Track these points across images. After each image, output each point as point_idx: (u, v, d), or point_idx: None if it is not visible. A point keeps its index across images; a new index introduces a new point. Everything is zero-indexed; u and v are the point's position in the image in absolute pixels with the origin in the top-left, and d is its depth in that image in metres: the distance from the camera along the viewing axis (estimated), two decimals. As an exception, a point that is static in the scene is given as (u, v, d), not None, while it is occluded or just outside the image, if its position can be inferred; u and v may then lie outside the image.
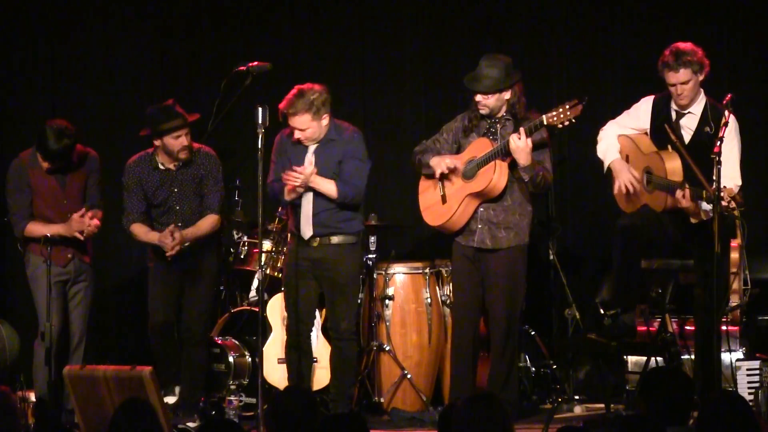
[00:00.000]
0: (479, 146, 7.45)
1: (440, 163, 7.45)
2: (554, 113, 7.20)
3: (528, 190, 7.40)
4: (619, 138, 7.36)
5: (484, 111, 7.44)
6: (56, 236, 7.64)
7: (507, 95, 7.40)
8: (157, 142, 7.68)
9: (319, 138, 7.42)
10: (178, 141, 7.61)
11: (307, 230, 7.45)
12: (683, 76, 7.07)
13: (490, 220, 7.42)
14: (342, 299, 7.51)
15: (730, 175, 6.90)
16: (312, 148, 7.46)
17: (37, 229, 7.65)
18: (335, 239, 7.47)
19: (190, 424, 7.48)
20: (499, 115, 7.45)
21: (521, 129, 7.22)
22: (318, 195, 7.42)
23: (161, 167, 7.71)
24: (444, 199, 7.53)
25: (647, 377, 5.43)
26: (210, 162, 7.75)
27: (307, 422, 4.94)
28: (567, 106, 7.17)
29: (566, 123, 7.19)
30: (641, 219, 7.16)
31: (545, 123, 7.22)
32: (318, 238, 7.46)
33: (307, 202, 7.42)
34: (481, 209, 7.43)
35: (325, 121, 7.39)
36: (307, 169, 7.33)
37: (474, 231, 7.45)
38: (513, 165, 7.34)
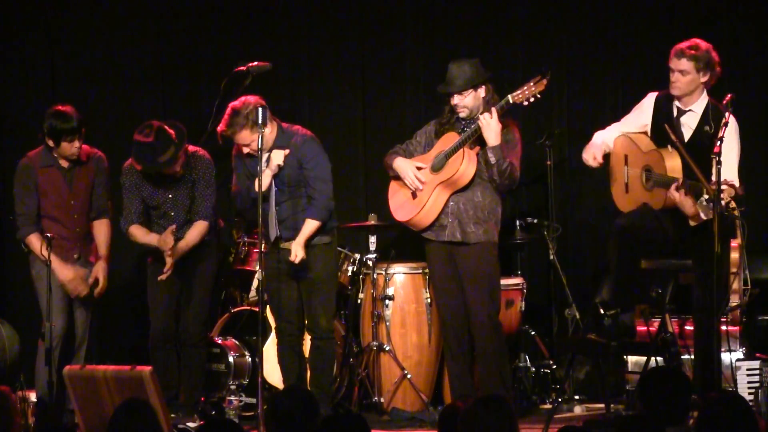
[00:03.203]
0: (447, 140, 7.47)
1: (408, 173, 7.48)
2: (519, 91, 7.27)
3: (494, 178, 7.35)
4: (618, 138, 7.37)
5: (463, 113, 7.45)
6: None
7: (482, 92, 7.42)
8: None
9: (268, 147, 7.37)
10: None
11: (272, 232, 7.43)
12: (683, 65, 7.08)
13: (461, 213, 7.41)
14: (319, 299, 7.48)
15: (729, 176, 6.90)
16: (265, 157, 7.36)
17: (35, 245, 7.62)
18: (310, 241, 7.43)
19: (190, 424, 7.48)
20: (476, 116, 7.47)
21: (492, 108, 7.26)
22: (282, 202, 7.43)
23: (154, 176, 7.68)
24: (414, 195, 7.54)
25: (644, 378, 5.41)
26: (203, 166, 7.69)
27: (308, 422, 4.93)
28: (531, 83, 7.27)
29: (531, 99, 7.27)
30: (639, 219, 7.16)
31: (511, 101, 7.28)
32: (292, 241, 7.43)
33: (270, 211, 7.40)
34: (452, 203, 7.43)
35: (268, 130, 7.31)
36: (297, 253, 7.33)
37: (444, 225, 7.45)
38: (481, 156, 7.36)
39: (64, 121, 7.59)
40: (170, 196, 7.68)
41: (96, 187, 7.82)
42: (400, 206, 7.61)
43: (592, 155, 7.38)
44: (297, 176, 7.42)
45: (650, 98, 7.34)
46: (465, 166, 7.34)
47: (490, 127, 7.24)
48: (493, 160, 7.30)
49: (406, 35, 9.20)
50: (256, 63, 7.96)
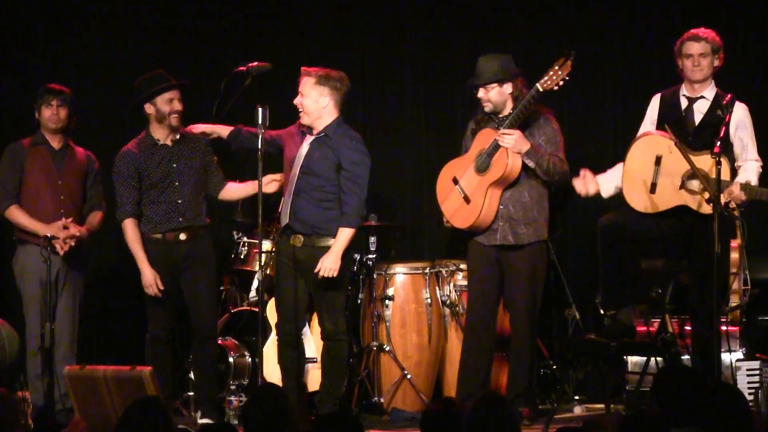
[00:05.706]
0: (484, 137, 7.46)
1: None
2: (546, 78, 7.24)
3: (543, 178, 7.40)
4: (648, 137, 7.17)
5: (487, 107, 7.46)
6: (32, 231, 7.63)
7: (508, 89, 7.41)
8: (149, 110, 7.65)
9: (312, 115, 7.34)
10: (171, 105, 7.60)
11: (284, 218, 7.36)
12: (704, 48, 7.14)
13: (511, 216, 7.43)
14: (327, 301, 7.39)
15: (752, 156, 7.03)
16: (308, 141, 7.38)
17: (16, 216, 7.66)
18: (321, 242, 7.33)
19: (206, 420, 7.45)
20: (506, 112, 7.45)
21: (500, 131, 7.27)
22: (300, 192, 7.33)
23: (158, 143, 7.65)
24: (467, 200, 7.52)
25: (659, 377, 5.34)
26: (205, 145, 7.73)
27: (279, 426, 4.87)
28: (556, 67, 7.24)
29: (561, 83, 7.24)
30: (623, 217, 7.13)
31: (541, 90, 7.25)
32: (302, 238, 7.36)
33: (288, 195, 7.36)
34: (501, 207, 7.44)
35: (324, 101, 7.30)
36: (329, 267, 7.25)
37: (496, 229, 7.46)
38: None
39: (45, 87, 7.77)
40: (174, 165, 7.65)
41: (89, 188, 7.84)
42: (456, 212, 7.58)
43: (595, 189, 7.34)
44: (328, 171, 7.31)
45: (655, 99, 7.34)
46: (512, 161, 7.35)
47: (512, 142, 7.26)
48: (532, 164, 7.32)
49: (406, 35, 9.21)
50: (256, 63, 7.94)
